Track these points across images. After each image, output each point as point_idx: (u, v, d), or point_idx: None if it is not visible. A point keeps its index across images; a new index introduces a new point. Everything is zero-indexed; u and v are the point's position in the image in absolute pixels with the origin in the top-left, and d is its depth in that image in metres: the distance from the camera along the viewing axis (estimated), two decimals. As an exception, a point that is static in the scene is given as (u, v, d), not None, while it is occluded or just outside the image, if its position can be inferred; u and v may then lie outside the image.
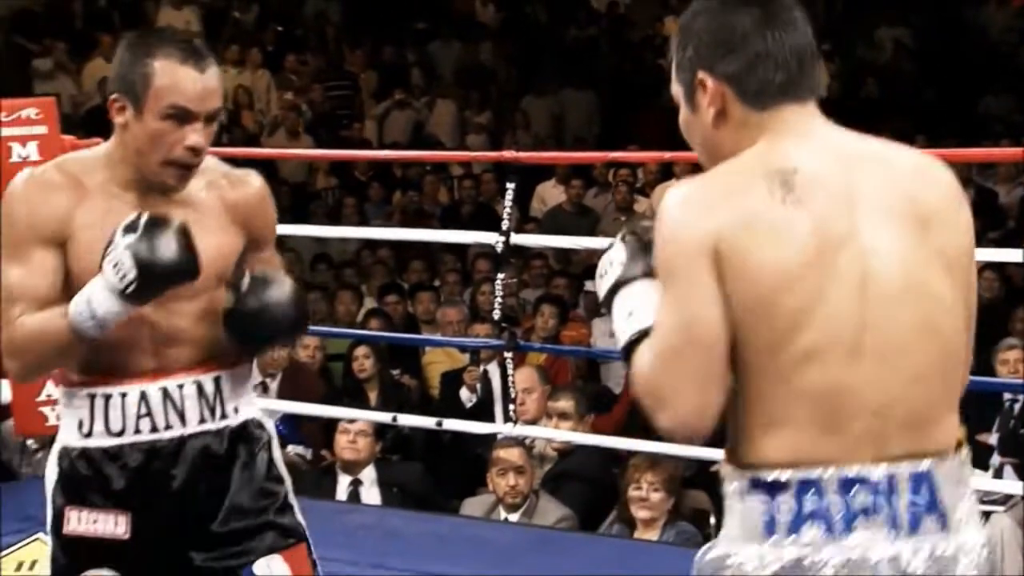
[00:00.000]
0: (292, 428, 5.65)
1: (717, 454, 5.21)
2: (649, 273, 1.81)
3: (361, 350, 6.40)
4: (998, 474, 5.45)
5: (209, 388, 2.29)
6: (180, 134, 2.15)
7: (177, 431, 2.28)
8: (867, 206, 1.70)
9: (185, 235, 2.10)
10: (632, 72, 11.74)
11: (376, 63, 11.69)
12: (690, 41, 1.78)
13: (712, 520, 5.66)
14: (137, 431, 2.27)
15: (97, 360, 2.24)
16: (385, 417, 5.27)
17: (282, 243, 8.97)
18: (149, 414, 2.27)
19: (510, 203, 4.67)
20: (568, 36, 12.19)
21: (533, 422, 5.25)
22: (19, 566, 4.22)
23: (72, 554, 2.32)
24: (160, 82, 2.14)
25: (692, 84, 1.78)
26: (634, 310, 1.79)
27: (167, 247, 2.07)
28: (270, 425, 2.45)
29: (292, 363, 6.30)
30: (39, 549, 4.33)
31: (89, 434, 2.28)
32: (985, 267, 7.31)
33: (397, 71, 11.52)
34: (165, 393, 2.27)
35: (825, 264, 1.67)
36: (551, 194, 9.63)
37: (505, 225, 4.56)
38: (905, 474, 1.68)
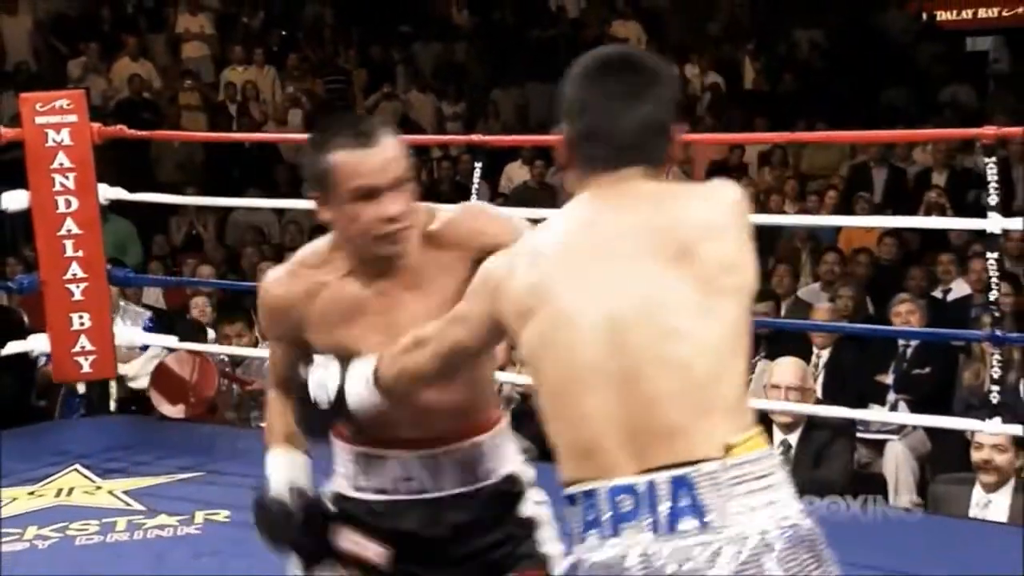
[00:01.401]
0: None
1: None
2: None
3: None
4: (894, 408, 5.51)
5: (468, 455, 2.13)
6: (374, 210, 2.00)
7: (435, 494, 2.13)
8: (621, 255, 1.65)
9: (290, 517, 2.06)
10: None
11: (366, 61, 11.64)
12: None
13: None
14: (397, 491, 2.14)
15: (361, 428, 2.10)
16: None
17: (282, 215, 9.00)
18: (410, 479, 2.13)
19: (478, 180, 4.69)
20: (532, 37, 12.16)
21: (501, 369, 5.27)
22: (58, 492, 4.23)
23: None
24: (340, 172, 2.00)
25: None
26: None
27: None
28: (527, 474, 2.22)
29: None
30: (75, 478, 4.35)
31: (359, 488, 2.16)
32: (886, 233, 7.37)
33: (384, 68, 11.48)
34: (424, 462, 2.12)
35: (565, 308, 1.66)
36: (517, 173, 9.64)
37: (474, 199, 4.56)
38: (665, 482, 1.60)
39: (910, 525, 3.66)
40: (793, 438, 4.25)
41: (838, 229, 7.86)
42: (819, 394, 5.12)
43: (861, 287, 6.65)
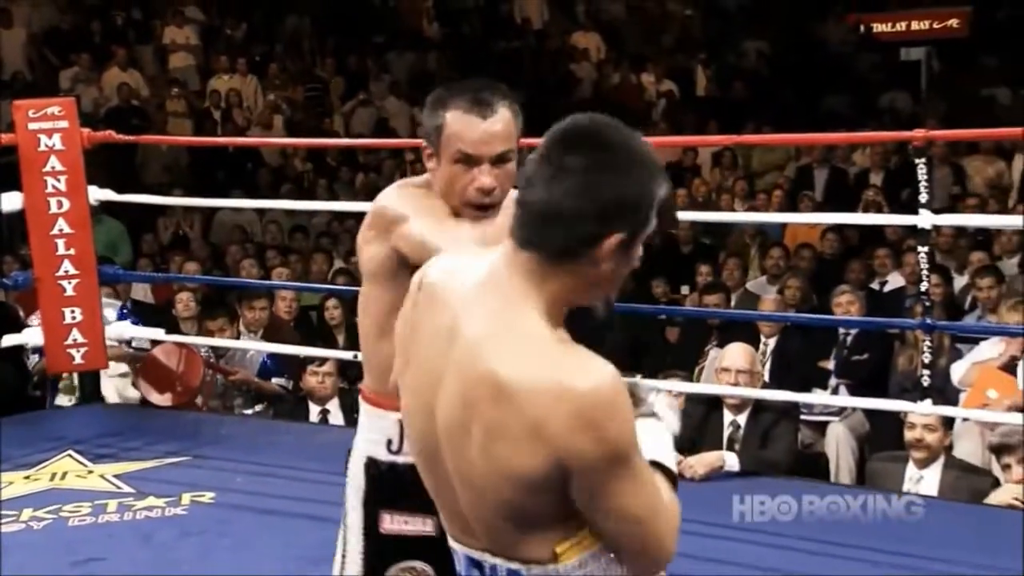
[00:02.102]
0: (277, 365, 5.61)
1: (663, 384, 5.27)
2: None
3: (331, 301, 6.37)
4: (835, 391, 5.53)
5: None
6: (469, 176, 1.95)
7: None
8: (452, 356, 1.44)
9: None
10: (548, 75, 11.72)
11: (343, 70, 11.60)
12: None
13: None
14: None
15: None
16: (349, 355, 5.25)
17: (264, 215, 8.96)
18: None
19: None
20: (498, 47, 12.15)
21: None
22: (52, 476, 4.18)
23: (385, 549, 2.14)
24: (449, 131, 1.96)
25: None
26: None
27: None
28: None
29: (272, 321, 6.21)
30: (68, 463, 4.31)
31: (398, 451, 2.08)
32: (828, 229, 7.40)
33: (360, 76, 11.44)
34: None
35: (413, 386, 1.51)
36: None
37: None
38: (503, 569, 1.47)
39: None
40: (742, 419, 4.26)
41: (784, 225, 7.89)
42: (766, 378, 5.14)
43: (806, 279, 6.68)
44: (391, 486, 2.10)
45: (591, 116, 1.45)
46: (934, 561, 3.22)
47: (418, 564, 2.11)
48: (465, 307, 1.44)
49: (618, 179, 1.38)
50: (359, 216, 8.23)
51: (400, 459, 2.07)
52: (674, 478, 1.53)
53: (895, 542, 3.29)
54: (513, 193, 1.84)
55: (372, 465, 2.11)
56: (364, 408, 2.15)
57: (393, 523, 2.10)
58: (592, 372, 1.38)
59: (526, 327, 1.40)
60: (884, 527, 3.34)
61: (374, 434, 2.11)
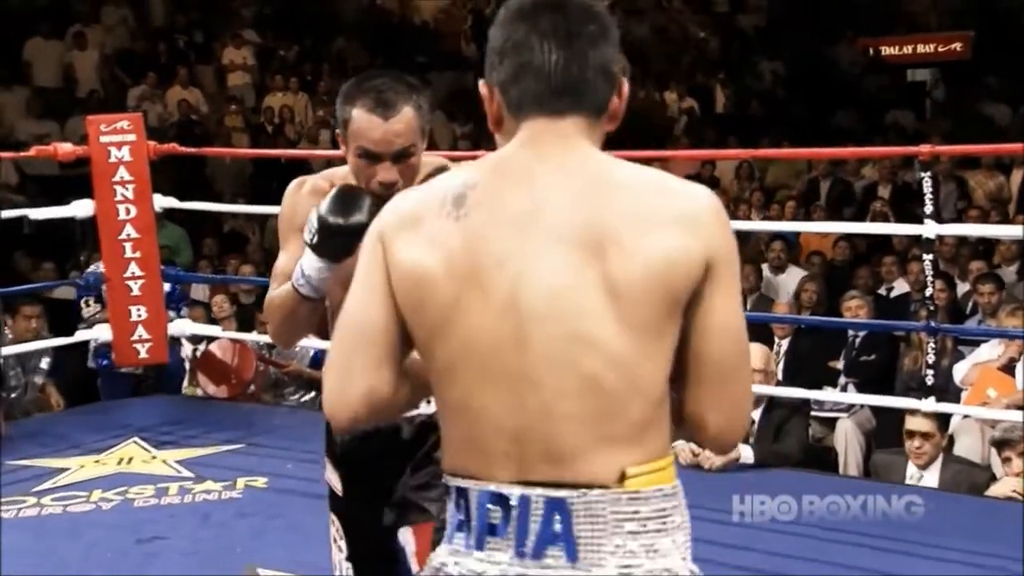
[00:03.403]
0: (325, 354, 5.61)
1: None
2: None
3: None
4: (844, 389, 5.50)
5: None
6: (372, 171, 1.93)
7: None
8: (540, 230, 1.25)
9: (364, 199, 1.86)
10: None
11: (387, 88, 11.62)
12: (485, 51, 1.36)
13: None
14: None
15: None
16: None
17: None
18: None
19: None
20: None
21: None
22: (120, 461, 4.23)
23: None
24: (353, 127, 1.93)
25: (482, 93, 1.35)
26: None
27: (345, 207, 1.85)
28: None
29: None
30: (133, 449, 4.35)
31: None
32: (840, 238, 7.36)
33: (403, 94, 11.46)
34: None
35: (472, 282, 1.26)
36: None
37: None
38: (540, 501, 1.25)
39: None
40: (756, 414, 4.24)
41: (798, 234, 7.86)
42: (779, 377, 5.11)
43: (822, 284, 6.65)
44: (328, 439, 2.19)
45: None
46: (934, 548, 3.20)
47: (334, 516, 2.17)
48: (537, 188, 1.27)
49: (607, 28, 1.31)
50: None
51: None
52: None
53: (896, 529, 3.27)
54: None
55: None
56: None
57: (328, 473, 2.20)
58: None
59: (616, 165, 1.28)
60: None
61: None
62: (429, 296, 1.27)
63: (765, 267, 7.01)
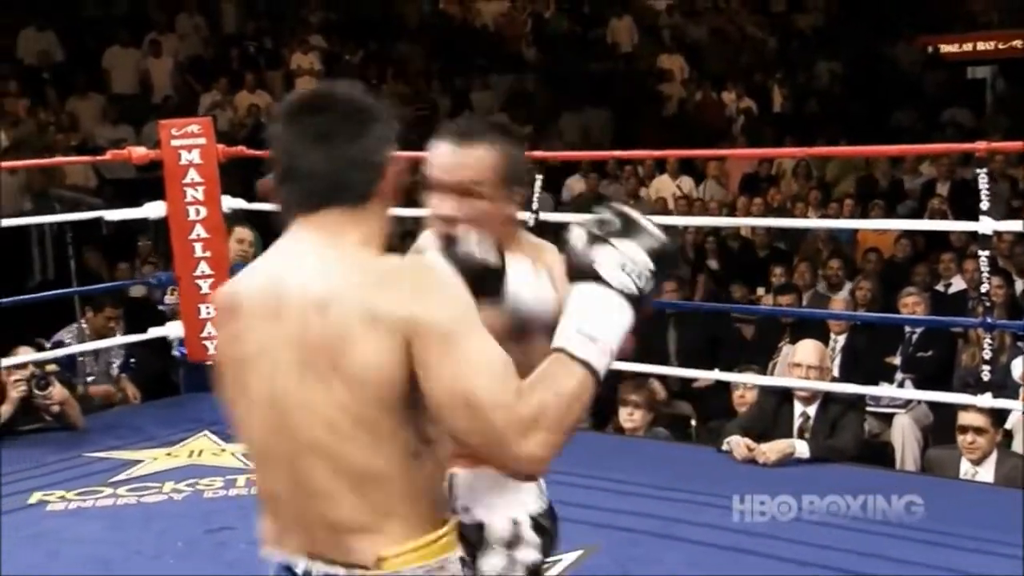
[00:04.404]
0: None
1: (696, 373, 5.23)
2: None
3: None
4: (901, 385, 5.42)
5: (463, 481, 1.76)
6: (432, 201, 1.76)
7: None
8: (280, 324, 1.32)
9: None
10: (637, 93, 11.66)
11: (449, 91, 11.68)
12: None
13: (692, 423, 5.68)
14: None
15: None
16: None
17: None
18: None
19: (538, 190, 4.66)
20: (590, 69, 12.11)
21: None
22: (191, 453, 4.28)
23: None
24: (430, 156, 1.78)
25: None
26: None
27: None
28: (504, 531, 1.77)
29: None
30: (204, 442, 4.41)
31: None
32: (900, 235, 7.25)
33: (465, 96, 11.50)
34: None
35: (241, 368, 1.36)
36: (576, 185, 9.60)
37: (535, 206, 4.54)
38: (320, 573, 1.32)
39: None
40: (811, 410, 4.20)
41: (855, 231, 7.76)
42: (835, 373, 5.05)
43: (877, 281, 6.56)
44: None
45: (311, 89, 1.44)
46: (987, 543, 3.15)
47: None
48: (281, 279, 1.34)
49: (365, 124, 1.36)
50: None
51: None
52: (593, 371, 1.30)
53: (950, 524, 3.22)
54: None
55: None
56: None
57: None
58: (406, 260, 1.38)
59: (344, 255, 1.34)
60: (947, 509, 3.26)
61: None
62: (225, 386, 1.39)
63: (821, 283, 6.92)
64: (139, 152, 4.91)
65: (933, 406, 4.96)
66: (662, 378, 5.47)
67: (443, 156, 1.76)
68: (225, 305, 1.40)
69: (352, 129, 1.35)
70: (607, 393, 5.01)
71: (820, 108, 11.24)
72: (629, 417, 4.54)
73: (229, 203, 4.84)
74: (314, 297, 1.30)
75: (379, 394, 1.27)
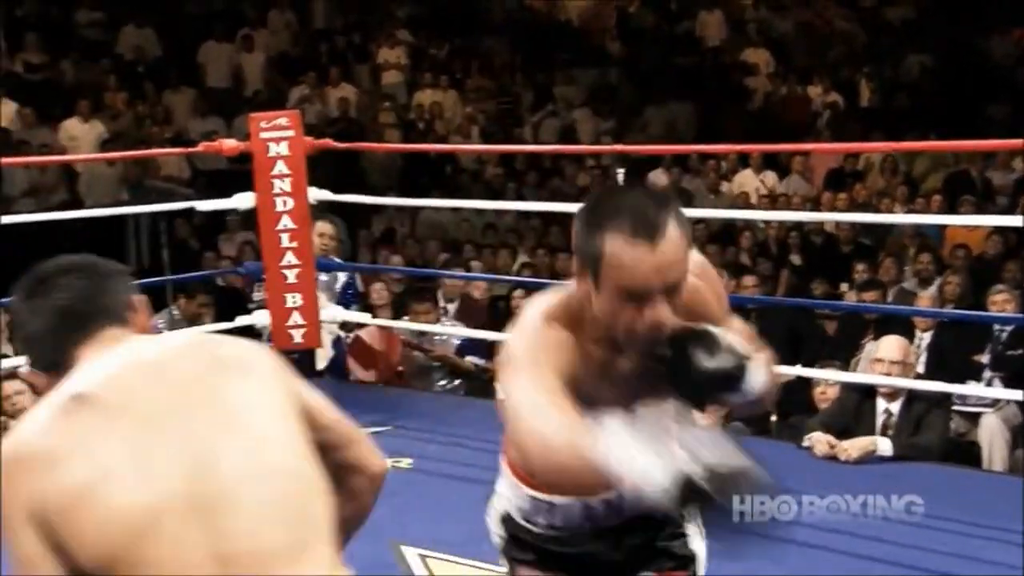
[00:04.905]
0: (472, 344, 5.66)
1: (779, 368, 5.15)
2: None
3: (517, 292, 6.41)
4: (989, 384, 5.28)
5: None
6: (638, 313, 1.51)
7: (615, 523, 1.81)
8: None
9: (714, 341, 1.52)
10: (722, 88, 11.54)
11: (532, 84, 11.67)
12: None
13: (773, 418, 5.60)
14: (580, 526, 1.83)
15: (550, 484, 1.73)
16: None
17: (459, 214, 9.10)
18: (592, 517, 1.81)
19: (621, 184, 4.62)
20: (676, 63, 12.00)
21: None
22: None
23: None
24: (611, 262, 1.49)
25: None
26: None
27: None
28: None
29: (465, 296, 6.32)
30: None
31: (533, 523, 1.87)
32: (992, 231, 7.06)
33: (548, 90, 11.48)
34: (609, 503, 1.78)
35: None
36: (658, 179, 9.52)
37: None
38: None
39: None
40: (895, 407, 4.10)
41: (943, 228, 7.59)
42: (921, 370, 4.93)
43: (966, 277, 6.40)
44: (525, 545, 1.90)
45: (54, 261, 1.51)
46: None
47: None
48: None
49: (86, 279, 1.47)
50: (544, 216, 8.29)
51: (532, 527, 1.87)
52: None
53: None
54: None
55: (508, 521, 1.92)
56: (505, 471, 1.92)
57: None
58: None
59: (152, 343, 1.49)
60: None
61: (513, 498, 1.90)
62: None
63: (911, 279, 6.76)
64: (230, 144, 4.98)
65: (1023, 406, 4.81)
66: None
67: (643, 262, 1.48)
68: None
69: (69, 282, 1.47)
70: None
71: (909, 102, 10.98)
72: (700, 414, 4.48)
73: (315, 194, 4.89)
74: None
75: None
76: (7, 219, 4.80)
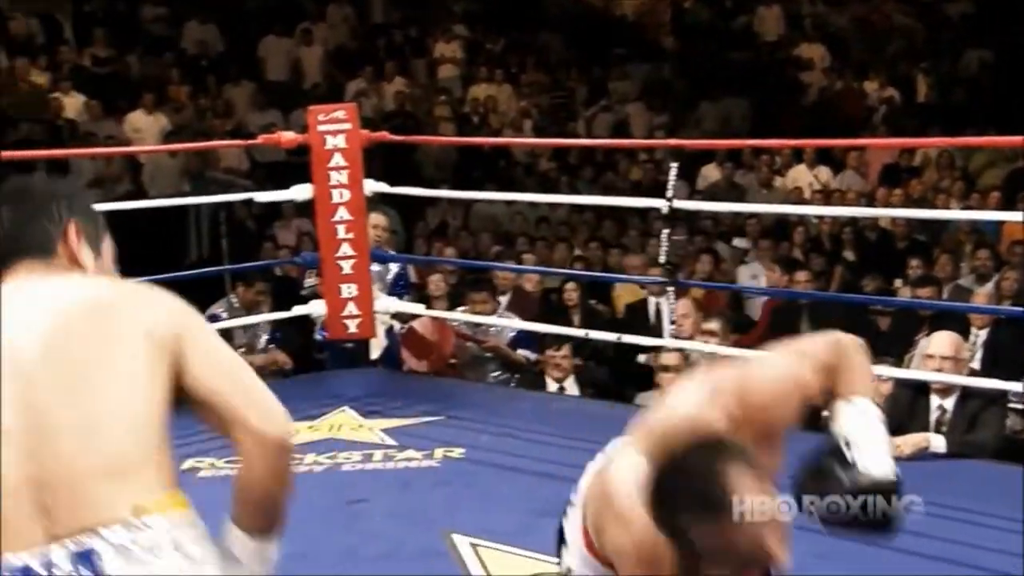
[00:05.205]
0: (525, 337, 5.65)
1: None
2: None
3: (570, 285, 6.40)
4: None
5: None
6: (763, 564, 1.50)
7: None
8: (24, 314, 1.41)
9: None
10: (775, 84, 11.41)
11: (587, 79, 11.63)
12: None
13: (824, 413, 5.54)
14: None
15: None
16: (582, 333, 5.26)
17: (512, 206, 9.10)
18: None
19: (674, 178, 4.57)
20: (730, 58, 11.90)
21: (689, 339, 5.18)
22: (331, 428, 4.35)
23: None
24: (747, 531, 1.48)
25: None
26: None
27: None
28: None
29: (517, 288, 6.32)
30: (343, 417, 4.50)
31: None
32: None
33: (601, 85, 11.44)
34: None
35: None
36: (711, 174, 9.45)
37: (669, 194, 4.46)
38: (64, 558, 1.31)
39: None
40: (948, 403, 4.04)
41: (1001, 224, 7.45)
42: (977, 367, 4.85)
43: (1022, 274, 6.27)
44: None
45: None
46: None
47: None
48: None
49: (48, 200, 1.53)
50: (596, 209, 8.24)
51: None
52: None
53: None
54: None
55: None
56: (583, 548, 1.84)
57: None
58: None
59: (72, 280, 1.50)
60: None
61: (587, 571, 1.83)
62: None
63: (969, 275, 6.63)
64: (288, 136, 5.02)
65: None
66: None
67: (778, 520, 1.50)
68: None
69: (30, 194, 1.55)
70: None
71: (967, 97, 10.79)
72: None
73: (371, 186, 4.91)
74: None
75: None
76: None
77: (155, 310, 1.45)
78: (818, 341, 1.79)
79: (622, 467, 1.68)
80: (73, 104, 9.17)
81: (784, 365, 1.76)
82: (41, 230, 1.51)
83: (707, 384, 1.74)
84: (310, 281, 5.46)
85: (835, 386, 1.74)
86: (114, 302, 1.45)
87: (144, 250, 6.67)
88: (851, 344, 1.75)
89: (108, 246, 1.59)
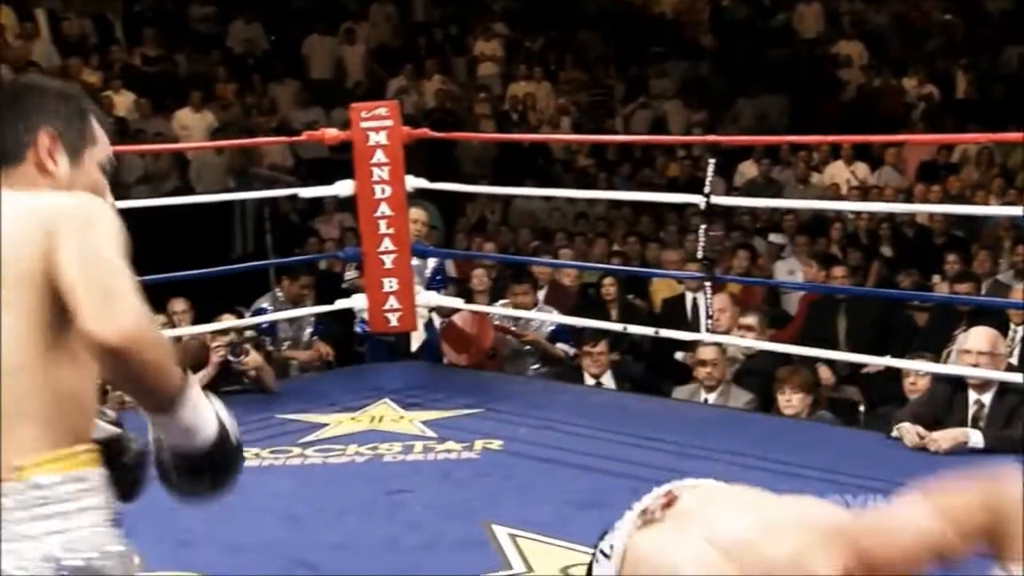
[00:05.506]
0: (563, 331, 5.64)
1: (866, 358, 5.06)
2: None
3: (608, 279, 6.39)
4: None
5: None
6: None
7: None
8: None
9: None
10: (813, 81, 11.31)
11: (624, 77, 11.59)
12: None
13: (861, 408, 5.49)
14: None
15: None
16: (619, 327, 5.24)
17: (551, 202, 9.08)
18: None
19: (711, 174, 4.54)
20: (768, 55, 11.81)
21: (726, 333, 5.15)
22: (372, 419, 4.37)
23: None
24: None
25: None
26: None
27: None
28: None
29: (554, 283, 6.33)
30: (384, 409, 4.52)
31: None
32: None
33: (639, 82, 11.39)
34: None
35: None
36: (748, 170, 9.39)
37: (707, 190, 4.44)
38: None
39: None
40: (986, 398, 3.98)
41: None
42: (1015, 362, 4.78)
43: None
44: None
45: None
46: None
47: None
48: None
49: (32, 105, 1.49)
50: (634, 205, 8.24)
51: None
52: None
53: None
54: None
55: None
56: None
57: None
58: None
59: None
60: None
61: None
62: None
63: (1007, 271, 6.54)
64: (331, 133, 5.04)
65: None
66: (830, 363, 5.32)
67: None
68: None
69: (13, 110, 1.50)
70: (765, 379, 4.86)
71: (1007, 94, 10.63)
72: (787, 403, 4.42)
73: (412, 182, 4.93)
74: None
75: None
76: (123, 204, 4.94)
77: (49, 226, 1.37)
78: (972, 498, 1.54)
79: (688, 559, 1.56)
80: (123, 102, 9.27)
81: (924, 528, 1.53)
82: (12, 136, 1.48)
83: (820, 517, 1.59)
84: (350, 275, 5.49)
85: (998, 549, 1.53)
86: (13, 234, 1.37)
87: (191, 244, 6.78)
88: (1011, 501, 1.49)
89: (94, 154, 1.52)
